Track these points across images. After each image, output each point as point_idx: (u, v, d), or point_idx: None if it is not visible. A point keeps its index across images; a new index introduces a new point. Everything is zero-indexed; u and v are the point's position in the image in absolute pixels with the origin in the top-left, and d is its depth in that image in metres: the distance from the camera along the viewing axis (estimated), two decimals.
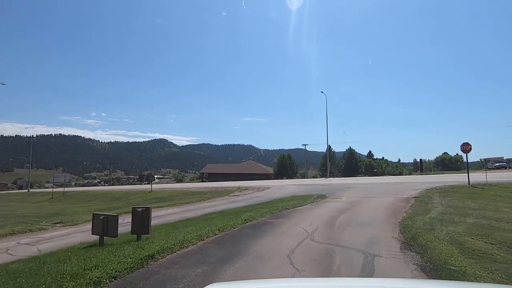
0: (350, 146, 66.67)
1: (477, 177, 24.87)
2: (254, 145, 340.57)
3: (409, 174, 61.59)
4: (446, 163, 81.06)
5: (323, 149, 69.07)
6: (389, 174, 67.46)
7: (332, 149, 67.07)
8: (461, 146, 16.38)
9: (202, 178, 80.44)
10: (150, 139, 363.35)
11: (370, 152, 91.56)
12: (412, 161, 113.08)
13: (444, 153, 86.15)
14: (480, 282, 3.63)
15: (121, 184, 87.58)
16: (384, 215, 8.83)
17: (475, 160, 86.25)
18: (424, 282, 2.75)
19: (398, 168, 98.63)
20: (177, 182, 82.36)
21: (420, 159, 66.17)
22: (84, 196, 33.81)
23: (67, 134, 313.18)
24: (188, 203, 15.86)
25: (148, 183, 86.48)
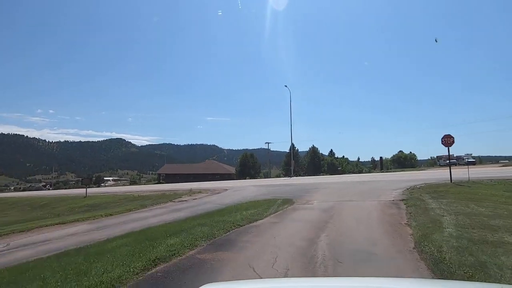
0: (313, 145, 65.66)
1: (441, 174, 24.10)
2: (218, 145, 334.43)
3: (369, 172, 62.21)
4: (402, 161, 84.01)
5: (287, 148, 67.36)
6: (350, 173, 67.72)
7: (295, 147, 65.56)
8: (442, 139, 14.45)
9: (159, 179, 74.55)
10: (105, 139, 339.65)
11: (331, 151, 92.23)
12: (370, 160, 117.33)
13: (400, 151, 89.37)
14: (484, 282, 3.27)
15: (69, 188, 78.44)
16: (383, 232, 5.95)
17: (426, 158, 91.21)
18: (423, 282, 2.52)
19: (358, 167, 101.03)
20: (130, 184, 75.48)
21: (380, 157, 67.16)
22: (0, 204, 27.59)
23: (6, 133, 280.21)
24: (111, 215, 11.90)
25: (97, 186, 78.34)
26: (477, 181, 14.45)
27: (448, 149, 14.44)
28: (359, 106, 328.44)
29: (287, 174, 57.03)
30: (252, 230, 6.32)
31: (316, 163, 63.41)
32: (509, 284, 3.38)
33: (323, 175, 62.79)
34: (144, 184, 71.30)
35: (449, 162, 14.68)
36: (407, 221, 6.85)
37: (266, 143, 59.14)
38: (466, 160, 65.76)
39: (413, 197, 10.54)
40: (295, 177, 39.31)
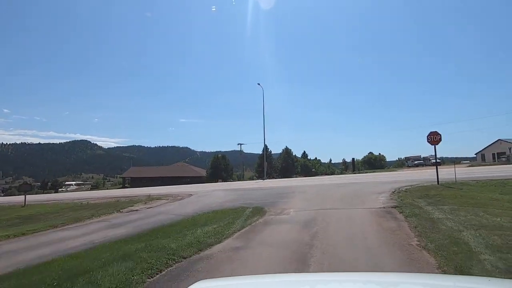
0: (286, 146, 64.45)
1: (419, 174, 23.43)
2: (190, 147, 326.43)
3: (341, 174, 62.16)
4: (372, 162, 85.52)
5: (261, 150, 65.67)
6: (323, 174, 67.43)
7: (268, 149, 63.97)
8: (428, 136, 13.15)
9: (123, 183, 69.64)
10: (68, 140, 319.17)
11: (304, 152, 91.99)
12: (342, 161, 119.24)
13: (370, 153, 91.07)
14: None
15: (23, 193, 70.56)
16: (395, 264, 3.99)
17: (394, 159, 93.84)
18: (421, 276, 2.41)
19: (330, 168, 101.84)
20: (91, 189, 69.84)
21: (353, 159, 67.48)
22: None
23: None
24: (23, 234, 9.10)
25: (55, 192, 71.57)
26: (464, 182, 13.28)
27: (435, 147, 13.16)
28: (332, 108, 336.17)
29: (261, 176, 55.27)
30: (199, 267, 4.09)
31: (290, 164, 62.22)
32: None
33: (296, 177, 61.80)
34: (108, 189, 66.12)
35: (436, 161, 13.49)
36: (418, 242, 4.99)
37: (238, 144, 56.90)
38: (432, 161, 68.07)
39: (405, 203, 8.89)
40: (268, 180, 37.48)
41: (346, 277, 1.92)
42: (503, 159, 54.03)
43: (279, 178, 56.57)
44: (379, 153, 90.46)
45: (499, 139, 64.24)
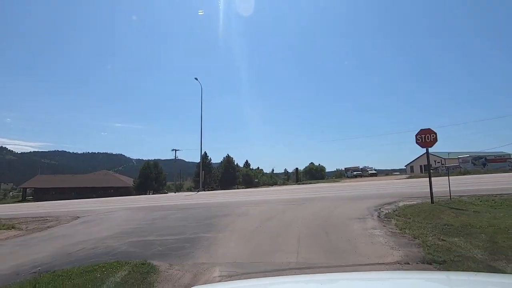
0: (228, 154, 59.36)
1: (363, 187, 20.47)
2: (125, 154, 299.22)
3: (284, 184, 59.46)
4: (313, 173, 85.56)
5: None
6: (266, 185, 63.94)
7: (208, 156, 58.09)
8: (417, 136, 9.42)
9: (23, 195, 56.26)
10: None
11: (247, 161, 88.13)
12: (284, 171, 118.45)
13: (311, 163, 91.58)
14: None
15: None
16: None
17: (333, 170, 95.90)
18: (418, 273, 2.66)
19: (272, 178, 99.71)
20: None
21: (296, 169, 65.49)
22: None
23: None
24: None
25: None
26: (458, 199, 9.82)
27: (427, 150, 9.45)
28: (273, 120, 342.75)
29: (198, 187, 49.00)
30: None
31: (231, 174, 57.13)
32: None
33: (238, 187, 56.92)
34: (5, 203, 52.12)
35: (429, 169, 9.64)
36: None
37: (173, 150, 49.75)
38: (369, 172, 69.94)
39: (435, 248, 4.53)
40: (203, 192, 31.75)
41: (343, 276, 1.91)
42: (431, 171, 57.09)
43: (219, 189, 51.04)
44: (319, 164, 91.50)
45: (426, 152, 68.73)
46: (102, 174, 64.78)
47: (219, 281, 3.94)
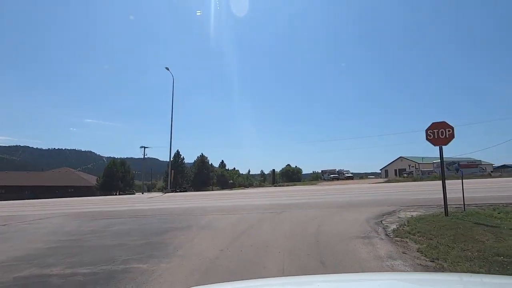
0: (202, 153, 56.34)
1: (349, 191, 18.78)
2: (96, 152, 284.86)
3: (260, 186, 57.48)
4: (290, 175, 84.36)
5: (177, 158, 55.46)
6: (242, 186, 61.63)
7: (181, 155, 54.76)
8: (427, 131, 7.52)
9: None
10: None
11: (222, 161, 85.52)
12: (260, 172, 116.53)
13: (288, 165, 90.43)
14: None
15: None
16: None
17: (309, 172, 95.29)
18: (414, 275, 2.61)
19: (248, 179, 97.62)
20: None
21: (273, 170, 63.69)
22: None
23: None
24: None
25: None
26: (473, 210, 8.05)
27: (441, 149, 7.54)
28: (252, 121, 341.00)
29: (170, 186, 45.59)
30: None
31: (205, 174, 54.20)
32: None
33: (212, 189, 54.05)
34: None
35: (443, 171, 7.61)
36: None
37: (141, 147, 46.01)
38: (346, 175, 69.52)
39: None
40: (171, 194, 28.82)
41: (342, 277, 1.89)
42: (405, 175, 57.19)
43: (191, 190, 47.97)
44: (296, 166, 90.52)
45: (400, 157, 69.51)
46: (63, 171, 59.33)
47: None
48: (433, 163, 52.08)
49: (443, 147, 7.45)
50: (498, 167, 61.35)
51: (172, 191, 34.32)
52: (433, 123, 7.62)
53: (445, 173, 7.82)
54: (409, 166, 64.60)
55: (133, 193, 46.72)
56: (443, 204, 7.52)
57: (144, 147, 45.92)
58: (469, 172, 44.96)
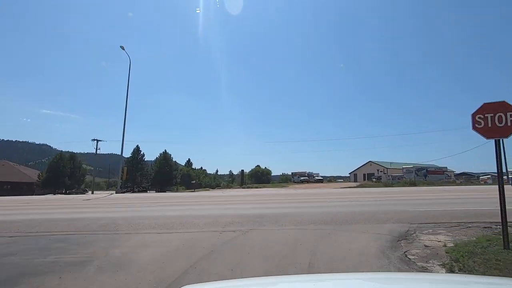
0: (165, 150, 51.72)
1: (330, 198, 16.20)
2: (52, 145, 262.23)
3: (228, 187, 54.23)
4: (259, 176, 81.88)
5: (140, 154, 50.11)
6: (208, 187, 57.84)
7: (141, 151, 49.78)
8: (475, 116, 4.88)
9: None
10: None
11: (189, 160, 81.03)
12: (228, 173, 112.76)
13: (257, 166, 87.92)
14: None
15: None
16: None
17: (279, 174, 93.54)
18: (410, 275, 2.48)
19: (215, 180, 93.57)
20: None
21: (242, 170, 60.57)
22: None
23: None
24: None
25: None
26: None
27: (498, 142, 4.87)
28: (223, 120, 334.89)
29: (126, 186, 40.78)
30: None
31: (167, 173, 49.65)
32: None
33: (176, 190, 49.72)
34: None
35: (501, 179, 4.93)
36: None
37: (94, 140, 40.58)
38: (315, 178, 68.26)
39: None
40: (122, 194, 24.58)
41: (339, 276, 1.86)
42: (374, 179, 56.89)
43: (151, 190, 43.27)
44: (265, 167, 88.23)
45: (369, 161, 69.68)
46: None
47: None
48: (403, 168, 52.22)
49: (504, 140, 4.79)
50: (459, 174, 63.59)
51: (126, 191, 29.96)
52: (484, 103, 4.95)
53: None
54: (378, 170, 64.78)
55: (83, 192, 41.21)
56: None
57: (97, 140, 40.58)
58: (437, 179, 45.35)
